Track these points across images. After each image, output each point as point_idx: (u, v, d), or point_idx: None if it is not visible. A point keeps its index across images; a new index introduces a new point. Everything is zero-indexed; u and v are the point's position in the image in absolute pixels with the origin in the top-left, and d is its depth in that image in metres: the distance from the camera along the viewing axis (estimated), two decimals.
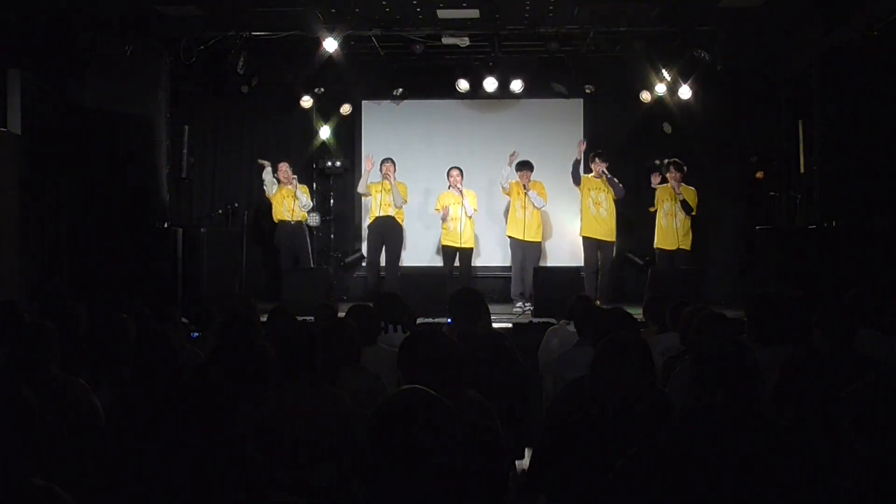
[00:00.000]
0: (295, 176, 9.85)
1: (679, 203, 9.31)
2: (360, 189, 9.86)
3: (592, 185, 9.41)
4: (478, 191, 10.03)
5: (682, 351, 4.44)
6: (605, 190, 9.41)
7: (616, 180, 9.36)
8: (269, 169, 9.80)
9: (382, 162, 9.64)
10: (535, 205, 9.40)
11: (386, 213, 9.59)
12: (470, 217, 9.53)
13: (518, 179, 9.45)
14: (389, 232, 9.66)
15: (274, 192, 9.79)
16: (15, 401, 2.24)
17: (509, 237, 9.67)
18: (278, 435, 3.13)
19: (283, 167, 9.83)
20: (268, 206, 10.00)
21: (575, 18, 8.82)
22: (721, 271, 10.44)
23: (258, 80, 10.19)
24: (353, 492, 2.69)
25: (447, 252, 9.72)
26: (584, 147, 9.60)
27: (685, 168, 9.45)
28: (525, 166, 9.39)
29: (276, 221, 9.89)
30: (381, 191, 9.61)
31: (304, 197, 9.81)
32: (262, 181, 9.92)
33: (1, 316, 4.42)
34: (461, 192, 9.49)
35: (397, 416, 1.96)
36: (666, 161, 9.90)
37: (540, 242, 9.71)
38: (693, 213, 9.40)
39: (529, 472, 3.00)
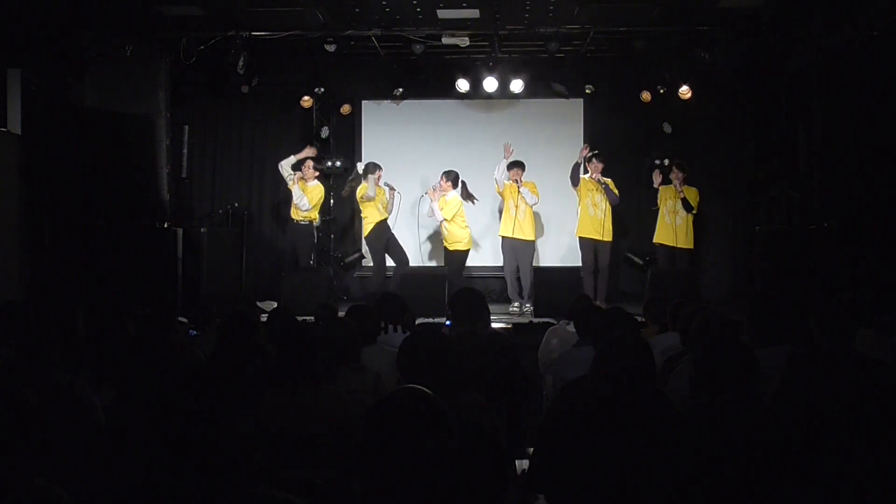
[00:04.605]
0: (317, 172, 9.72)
1: (680, 201, 9.36)
2: (371, 193, 9.48)
3: (590, 187, 9.41)
4: (479, 190, 10.00)
5: (682, 351, 4.44)
6: (603, 191, 9.40)
7: (611, 188, 9.35)
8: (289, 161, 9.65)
9: (375, 170, 9.53)
10: (528, 201, 9.37)
11: (384, 218, 9.59)
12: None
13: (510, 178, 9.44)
14: (392, 238, 9.67)
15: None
16: (15, 401, 2.25)
17: (502, 237, 9.63)
18: (278, 435, 3.14)
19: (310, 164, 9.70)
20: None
21: (575, 18, 8.81)
22: (721, 271, 10.44)
23: (258, 80, 10.18)
24: (353, 491, 2.69)
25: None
26: (586, 153, 9.58)
27: (687, 168, 9.49)
28: (516, 165, 9.38)
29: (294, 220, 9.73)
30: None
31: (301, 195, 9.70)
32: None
33: (1, 316, 4.42)
34: (445, 196, 9.47)
35: (394, 415, 1.96)
36: (668, 162, 9.93)
37: (533, 241, 9.69)
38: (694, 212, 9.44)
39: (529, 472, 3.00)
